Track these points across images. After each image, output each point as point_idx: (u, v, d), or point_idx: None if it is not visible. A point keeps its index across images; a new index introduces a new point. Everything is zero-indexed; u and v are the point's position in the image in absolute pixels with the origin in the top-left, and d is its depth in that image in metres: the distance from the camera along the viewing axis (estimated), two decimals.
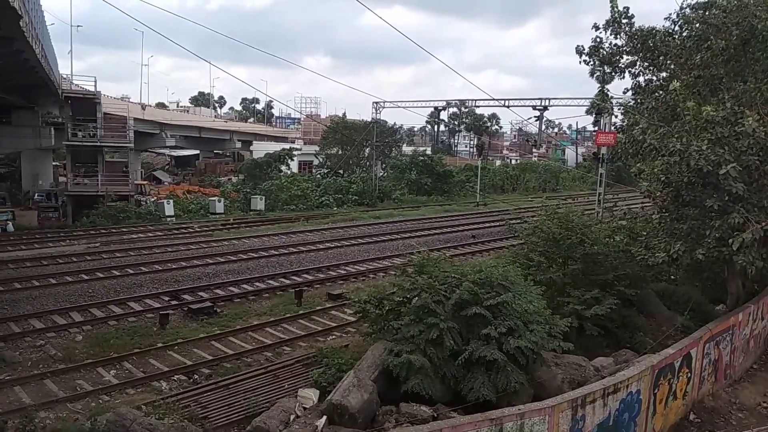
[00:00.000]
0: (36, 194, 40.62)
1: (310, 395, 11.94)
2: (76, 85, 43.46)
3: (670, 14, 15.88)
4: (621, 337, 15.09)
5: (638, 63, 16.28)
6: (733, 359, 14.56)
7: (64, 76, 42.76)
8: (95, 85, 41.04)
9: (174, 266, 24.46)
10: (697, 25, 14.71)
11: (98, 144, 38.30)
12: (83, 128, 38.06)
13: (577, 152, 76.80)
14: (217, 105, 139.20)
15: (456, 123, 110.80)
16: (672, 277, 18.39)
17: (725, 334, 13.89)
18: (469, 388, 11.27)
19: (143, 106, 62.20)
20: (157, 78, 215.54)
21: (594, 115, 41.69)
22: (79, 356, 14.94)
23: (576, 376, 12.31)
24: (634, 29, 15.72)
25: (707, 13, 14.63)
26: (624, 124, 17.55)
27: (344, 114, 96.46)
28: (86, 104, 38.46)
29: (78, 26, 64.77)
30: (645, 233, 16.58)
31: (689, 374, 12.47)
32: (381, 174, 57.12)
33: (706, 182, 12.84)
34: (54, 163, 49.49)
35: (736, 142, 12.21)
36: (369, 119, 57.47)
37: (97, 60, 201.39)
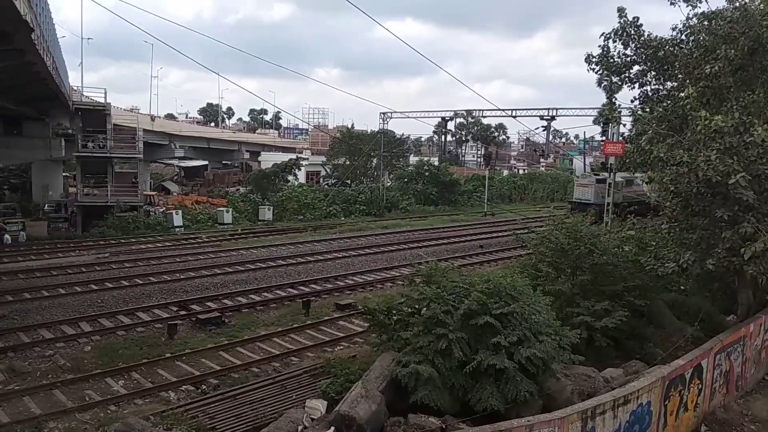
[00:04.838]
0: (46, 205, 40.95)
1: (318, 406, 11.91)
2: (86, 96, 43.84)
3: (676, 25, 15.92)
4: (631, 348, 14.97)
5: (648, 73, 16.27)
6: (745, 370, 14.41)
7: (75, 87, 43.13)
8: (105, 97, 41.44)
9: (182, 276, 24.54)
10: (704, 35, 14.72)
11: (108, 155, 38.57)
12: (93, 139, 38.36)
13: (585, 162, 76.58)
14: (225, 116, 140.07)
15: (463, 133, 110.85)
16: (682, 287, 18.26)
17: (736, 345, 13.76)
18: (477, 398, 11.21)
19: (153, 118, 62.69)
20: (168, 90, 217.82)
21: (602, 125, 42.05)
22: (88, 366, 14.98)
23: (586, 387, 12.21)
24: (643, 39, 15.73)
25: (713, 24, 14.64)
26: (632, 133, 17.55)
27: (352, 125, 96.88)
28: (96, 116, 38.79)
29: (89, 39, 65.37)
30: (654, 243, 16.49)
31: (700, 386, 12.34)
32: (388, 184, 57.23)
33: (716, 192, 12.77)
34: (64, 174, 49.92)
35: (746, 152, 12.15)
36: (377, 130, 57.64)
37: (111, 72, 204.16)
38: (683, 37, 15.67)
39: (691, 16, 15.62)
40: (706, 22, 14.95)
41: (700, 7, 15.46)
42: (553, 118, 59.44)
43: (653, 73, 16.38)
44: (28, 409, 12.55)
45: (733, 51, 13.41)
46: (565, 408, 9.86)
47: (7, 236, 32.74)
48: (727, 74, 13.87)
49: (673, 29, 15.90)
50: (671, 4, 15.55)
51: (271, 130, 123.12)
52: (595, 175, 45.47)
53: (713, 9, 15.18)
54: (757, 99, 13.16)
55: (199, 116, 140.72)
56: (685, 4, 15.47)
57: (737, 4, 14.78)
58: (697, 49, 14.77)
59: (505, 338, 11.37)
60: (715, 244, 12.95)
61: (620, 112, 18.13)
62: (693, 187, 12.79)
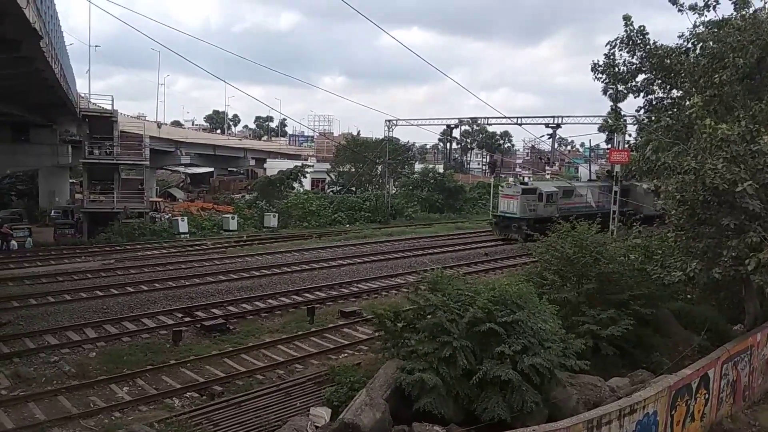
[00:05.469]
0: (53, 211, 41.13)
1: (322, 414, 11.89)
2: (93, 104, 44.16)
3: (683, 33, 15.92)
4: (637, 357, 14.91)
5: (654, 82, 16.27)
6: (752, 380, 14.30)
7: (82, 95, 43.44)
8: (112, 104, 41.80)
9: (187, 283, 24.59)
10: (711, 43, 14.71)
11: (114, 162, 38.78)
12: (100, 146, 38.59)
13: (590, 170, 76.51)
14: (231, 123, 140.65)
15: (468, 141, 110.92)
16: (688, 296, 18.17)
17: (743, 355, 13.66)
18: (483, 407, 11.17)
19: (159, 125, 62.93)
20: (175, 97, 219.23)
21: (606, 133, 41.47)
22: (93, 373, 15.01)
23: (591, 396, 12.16)
24: (649, 47, 15.73)
25: (721, 32, 14.63)
26: (637, 142, 17.53)
27: (358, 132, 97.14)
28: (103, 122, 39.01)
29: (96, 46, 65.91)
30: (660, 252, 16.43)
31: (707, 395, 12.26)
32: (393, 191, 57.24)
33: (722, 200, 12.73)
34: (71, 181, 50.09)
35: (752, 161, 12.12)
36: (382, 137, 57.79)
37: (118, 80, 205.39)
38: (690, 45, 15.67)
39: (698, 23, 15.64)
40: (714, 30, 14.95)
41: (707, 15, 15.48)
42: (558, 125, 59.24)
43: (659, 81, 16.38)
44: (33, 415, 12.56)
45: (741, 59, 13.40)
46: (571, 417, 9.81)
47: (13, 242, 32.93)
48: (735, 83, 13.85)
49: (680, 37, 15.91)
50: (679, 11, 15.55)
51: (281, 138, 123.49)
52: (522, 184, 40.73)
53: (721, 17, 15.18)
54: (765, 108, 13.12)
55: (205, 123, 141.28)
56: (693, 12, 15.48)
57: (745, 13, 14.77)
58: (704, 57, 14.77)
59: (509, 347, 11.33)
60: (722, 253, 12.89)
61: (625, 121, 18.13)
62: (699, 195, 12.75)
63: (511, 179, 41.23)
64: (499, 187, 42.91)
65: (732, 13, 15.29)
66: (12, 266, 27.81)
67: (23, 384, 14.19)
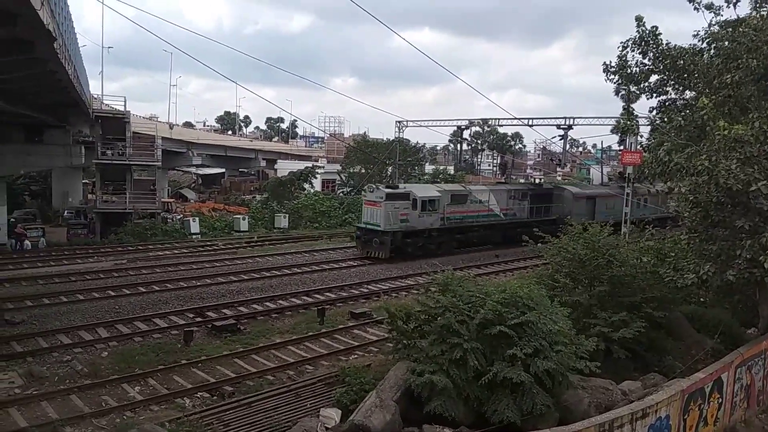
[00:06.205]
0: (66, 211, 41.49)
1: (332, 415, 11.90)
2: (106, 105, 44.47)
3: (698, 32, 15.77)
4: (649, 360, 14.80)
5: (667, 83, 16.14)
6: (766, 385, 14.15)
7: (95, 96, 43.75)
8: (125, 105, 42.05)
9: (199, 283, 24.72)
10: (726, 43, 14.56)
11: (127, 162, 39.03)
12: (112, 147, 38.87)
13: (602, 171, 76.04)
14: (242, 124, 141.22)
15: (479, 142, 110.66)
16: (701, 299, 18.03)
17: (757, 359, 13.53)
18: (493, 410, 11.13)
19: (171, 126, 63.26)
20: (187, 98, 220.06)
21: (619, 135, 40.65)
22: (105, 372, 15.10)
23: (603, 400, 12.08)
24: (662, 48, 15.60)
25: (736, 32, 14.48)
26: (650, 143, 17.41)
27: (365, 133, 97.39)
28: (116, 123, 39.30)
29: (109, 48, 66.27)
30: (673, 254, 16.30)
31: (720, 399, 12.15)
32: None
33: (736, 202, 12.62)
34: (83, 181, 50.51)
35: (766, 162, 12.00)
36: (392, 138, 57.80)
37: (131, 81, 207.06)
38: (705, 44, 15.53)
39: (713, 23, 15.49)
40: (729, 29, 14.79)
41: (722, 15, 15.33)
42: (570, 127, 58.85)
43: (672, 82, 16.24)
44: (46, 414, 12.66)
45: (755, 60, 13.27)
46: (582, 421, 9.77)
47: (27, 242, 33.21)
48: (749, 83, 13.71)
49: (695, 36, 15.77)
50: (695, 9, 15.41)
51: (298, 141, 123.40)
52: (389, 188, 32.27)
53: (737, 17, 15.01)
54: None
55: (216, 124, 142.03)
56: (709, 11, 15.34)
57: (764, 13, 14.59)
58: (718, 57, 14.62)
59: (520, 350, 11.28)
60: (736, 254, 12.77)
61: (637, 122, 17.99)
62: (713, 197, 12.64)
63: (376, 185, 33.80)
64: (362, 192, 35.53)
65: (749, 12, 15.12)
66: (25, 266, 28.06)
67: (36, 383, 14.31)
